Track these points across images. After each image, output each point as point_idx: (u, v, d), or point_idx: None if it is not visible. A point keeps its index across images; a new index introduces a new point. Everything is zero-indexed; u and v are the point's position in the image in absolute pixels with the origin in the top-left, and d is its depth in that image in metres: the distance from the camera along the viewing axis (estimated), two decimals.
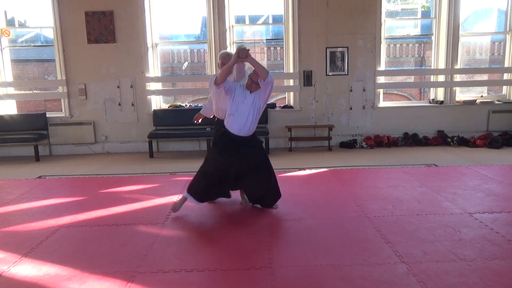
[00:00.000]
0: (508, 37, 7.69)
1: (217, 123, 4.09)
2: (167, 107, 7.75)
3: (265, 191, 3.84)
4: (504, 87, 7.97)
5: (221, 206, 4.18)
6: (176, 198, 4.42)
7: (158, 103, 7.73)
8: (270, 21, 9.37)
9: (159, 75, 7.69)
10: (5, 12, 7.54)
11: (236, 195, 4.18)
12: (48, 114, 7.50)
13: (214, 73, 7.28)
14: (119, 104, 7.40)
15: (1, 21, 7.40)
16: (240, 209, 4.08)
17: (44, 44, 8.45)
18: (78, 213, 4.04)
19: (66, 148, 7.51)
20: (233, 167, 3.69)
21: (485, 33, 9.26)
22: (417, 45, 12.91)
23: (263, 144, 7.11)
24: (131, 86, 7.35)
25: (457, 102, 7.68)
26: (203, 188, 3.78)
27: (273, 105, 7.79)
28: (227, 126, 3.73)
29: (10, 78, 7.56)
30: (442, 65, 7.57)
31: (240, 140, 3.71)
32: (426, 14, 8.80)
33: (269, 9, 9.06)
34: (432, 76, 7.84)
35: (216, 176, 3.73)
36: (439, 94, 7.83)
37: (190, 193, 3.82)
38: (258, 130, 7.03)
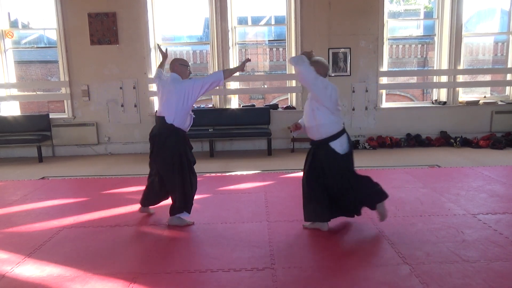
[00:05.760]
0: (511, 37, 7.66)
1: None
2: None
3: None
4: (507, 88, 7.93)
5: (222, 207, 4.19)
6: None
7: None
8: (273, 22, 9.38)
9: None
10: (9, 13, 7.57)
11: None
12: (51, 115, 7.52)
13: None
14: (122, 105, 7.41)
15: (5, 23, 7.43)
16: (242, 210, 4.08)
17: (47, 46, 8.50)
18: (81, 214, 4.06)
19: (69, 149, 7.53)
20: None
21: (488, 34, 9.25)
22: (419, 45, 12.89)
23: (265, 145, 7.14)
24: (134, 87, 7.36)
25: (460, 102, 7.66)
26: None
27: (275, 106, 7.78)
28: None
29: (13, 80, 7.59)
30: (445, 65, 7.55)
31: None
32: (428, 14, 8.79)
33: (271, 10, 9.09)
34: (435, 77, 7.82)
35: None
36: (442, 94, 7.81)
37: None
38: (260, 131, 7.14)
